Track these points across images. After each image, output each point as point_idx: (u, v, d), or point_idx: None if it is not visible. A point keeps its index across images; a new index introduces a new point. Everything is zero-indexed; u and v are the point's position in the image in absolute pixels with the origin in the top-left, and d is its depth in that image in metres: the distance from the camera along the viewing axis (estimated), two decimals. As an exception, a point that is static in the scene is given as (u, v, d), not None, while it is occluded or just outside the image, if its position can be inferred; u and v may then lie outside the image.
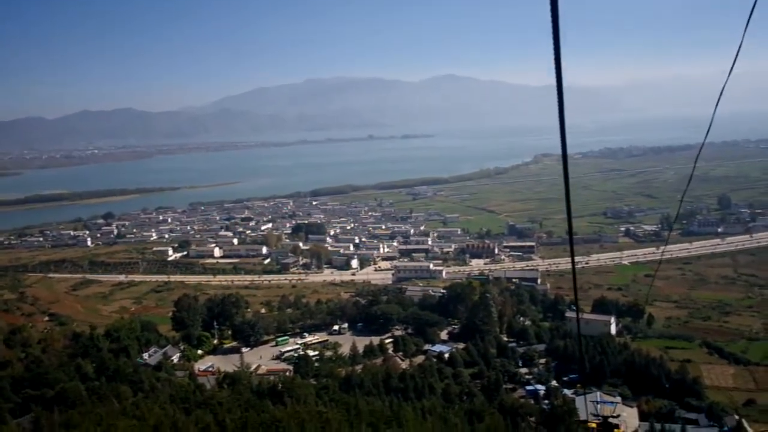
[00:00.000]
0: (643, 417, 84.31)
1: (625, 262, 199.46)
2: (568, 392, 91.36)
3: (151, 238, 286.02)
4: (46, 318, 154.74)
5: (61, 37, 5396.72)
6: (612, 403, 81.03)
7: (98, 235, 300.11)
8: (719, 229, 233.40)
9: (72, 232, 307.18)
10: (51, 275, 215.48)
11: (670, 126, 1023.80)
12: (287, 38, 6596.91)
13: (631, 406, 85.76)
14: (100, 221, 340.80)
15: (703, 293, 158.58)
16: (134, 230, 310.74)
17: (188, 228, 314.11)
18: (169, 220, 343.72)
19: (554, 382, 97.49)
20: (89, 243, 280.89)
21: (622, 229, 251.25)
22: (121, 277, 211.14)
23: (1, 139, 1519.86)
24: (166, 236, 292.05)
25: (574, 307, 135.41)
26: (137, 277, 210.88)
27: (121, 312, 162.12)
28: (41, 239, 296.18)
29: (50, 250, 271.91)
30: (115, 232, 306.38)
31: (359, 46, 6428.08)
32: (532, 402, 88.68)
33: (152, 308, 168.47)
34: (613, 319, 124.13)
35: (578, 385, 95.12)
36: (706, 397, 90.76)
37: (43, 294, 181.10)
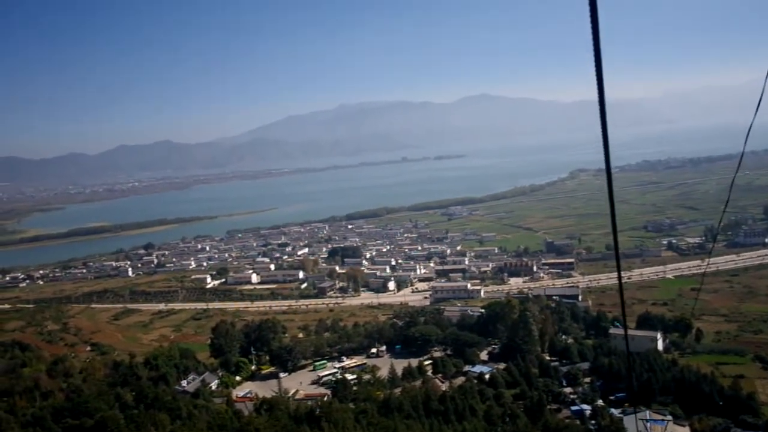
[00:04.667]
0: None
1: (670, 276, 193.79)
2: (615, 412, 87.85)
3: (190, 267, 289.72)
4: (88, 348, 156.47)
5: (100, 75, 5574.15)
6: (662, 421, 78.28)
7: (139, 265, 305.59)
8: (767, 240, 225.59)
9: (114, 263, 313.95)
10: (93, 305, 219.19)
11: (709, 136, 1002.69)
12: (318, 65, 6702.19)
13: (683, 425, 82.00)
14: (141, 251, 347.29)
15: (753, 306, 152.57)
16: (174, 259, 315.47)
17: (226, 255, 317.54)
18: (208, 248, 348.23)
19: (600, 402, 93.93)
20: (130, 273, 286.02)
21: (665, 242, 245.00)
22: (161, 306, 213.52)
23: (46, 175, 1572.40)
24: (205, 264, 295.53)
25: (618, 324, 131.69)
26: (177, 306, 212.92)
27: (161, 340, 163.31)
28: (84, 271, 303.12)
29: (93, 281, 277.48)
30: (156, 261, 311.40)
31: (389, 70, 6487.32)
32: (578, 422, 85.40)
33: (191, 336, 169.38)
34: (659, 335, 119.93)
35: (626, 404, 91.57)
36: (763, 414, 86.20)
37: (86, 324, 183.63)
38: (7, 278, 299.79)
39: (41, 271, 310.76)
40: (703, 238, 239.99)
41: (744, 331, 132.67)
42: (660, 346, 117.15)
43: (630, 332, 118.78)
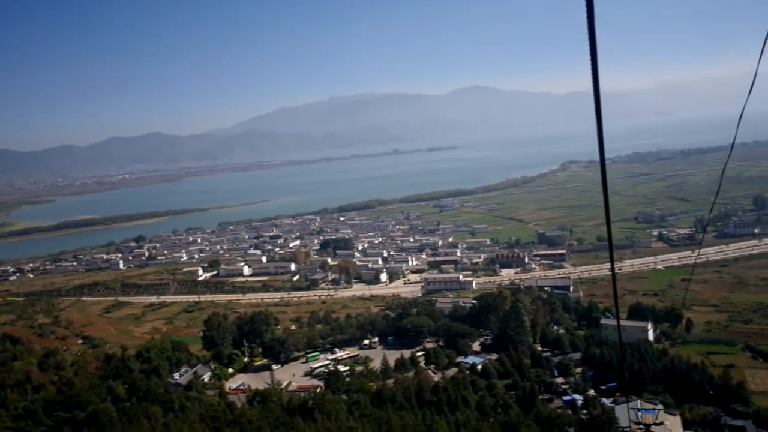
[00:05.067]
0: (687, 425, 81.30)
1: (660, 267, 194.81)
2: (606, 401, 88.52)
3: (182, 259, 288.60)
4: (80, 341, 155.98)
5: (91, 67, 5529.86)
6: (653, 410, 78.64)
7: (130, 257, 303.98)
8: (756, 230, 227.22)
9: (105, 256, 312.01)
10: (84, 298, 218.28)
11: (700, 128, 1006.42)
12: (310, 57, 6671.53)
13: (674, 414, 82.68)
14: (132, 244, 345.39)
15: (742, 296, 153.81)
16: (165, 252, 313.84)
17: (217, 248, 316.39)
18: (199, 240, 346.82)
19: (592, 391, 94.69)
20: (121, 266, 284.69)
21: (655, 233, 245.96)
22: (153, 299, 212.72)
23: (36, 167, 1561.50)
24: (196, 257, 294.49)
25: (609, 314, 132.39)
26: (168, 298, 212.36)
27: (153, 333, 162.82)
28: (75, 264, 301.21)
29: (84, 274, 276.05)
30: (147, 254, 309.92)
31: (382, 62, 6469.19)
32: (570, 412, 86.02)
33: (183, 328, 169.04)
34: (650, 325, 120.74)
35: (617, 394, 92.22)
36: (753, 402, 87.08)
37: (77, 317, 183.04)
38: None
39: (31, 264, 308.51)
40: (694, 229, 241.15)
41: (734, 321, 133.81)
42: (651, 336, 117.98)
43: (622, 323, 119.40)
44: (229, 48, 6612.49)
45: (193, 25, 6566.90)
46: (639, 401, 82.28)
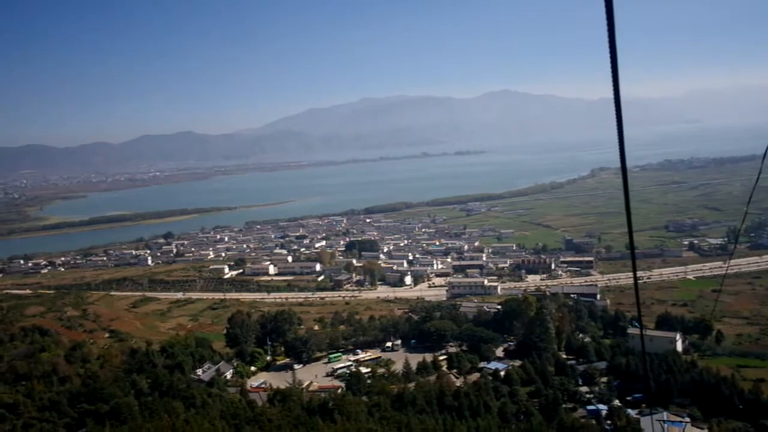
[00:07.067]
0: (714, 439, 79.18)
1: (690, 277, 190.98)
2: (632, 412, 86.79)
3: (209, 257, 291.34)
4: (107, 334, 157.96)
5: (125, 66, 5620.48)
6: (680, 423, 77.05)
7: (158, 254, 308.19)
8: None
9: (133, 252, 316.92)
10: (113, 293, 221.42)
11: (733, 136, 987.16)
12: (340, 59, 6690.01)
13: (702, 428, 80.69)
14: (161, 241, 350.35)
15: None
16: (192, 249, 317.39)
17: (244, 246, 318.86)
18: (226, 239, 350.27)
19: (617, 402, 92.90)
20: (149, 262, 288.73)
21: (686, 242, 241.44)
22: (179, 295, 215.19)
23: (70, 163, 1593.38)
24: (223, 254, 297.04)
25: (637, 323, 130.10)
26: (194, 295, 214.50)
27: (178, 329, 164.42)
28: (105, 258, 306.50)
29: (113, 269, 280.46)
30: (174, 251, 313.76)
31: (413, 65, 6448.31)
32: (594, 422, 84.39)
33: (208, 325, 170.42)
34: (678, 336, 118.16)
35: (643, 405, 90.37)
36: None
37: (105, 311, 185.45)
38: (30, 264, 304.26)
39: (62, 258, 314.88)
40: (726, 239, 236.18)
41: (766, 335, 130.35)
42: (679, 347, 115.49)
43: (649, 332, 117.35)
44: (260, 49, 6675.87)
45: (225, 26, 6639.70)
46: (665, 413, 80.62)
